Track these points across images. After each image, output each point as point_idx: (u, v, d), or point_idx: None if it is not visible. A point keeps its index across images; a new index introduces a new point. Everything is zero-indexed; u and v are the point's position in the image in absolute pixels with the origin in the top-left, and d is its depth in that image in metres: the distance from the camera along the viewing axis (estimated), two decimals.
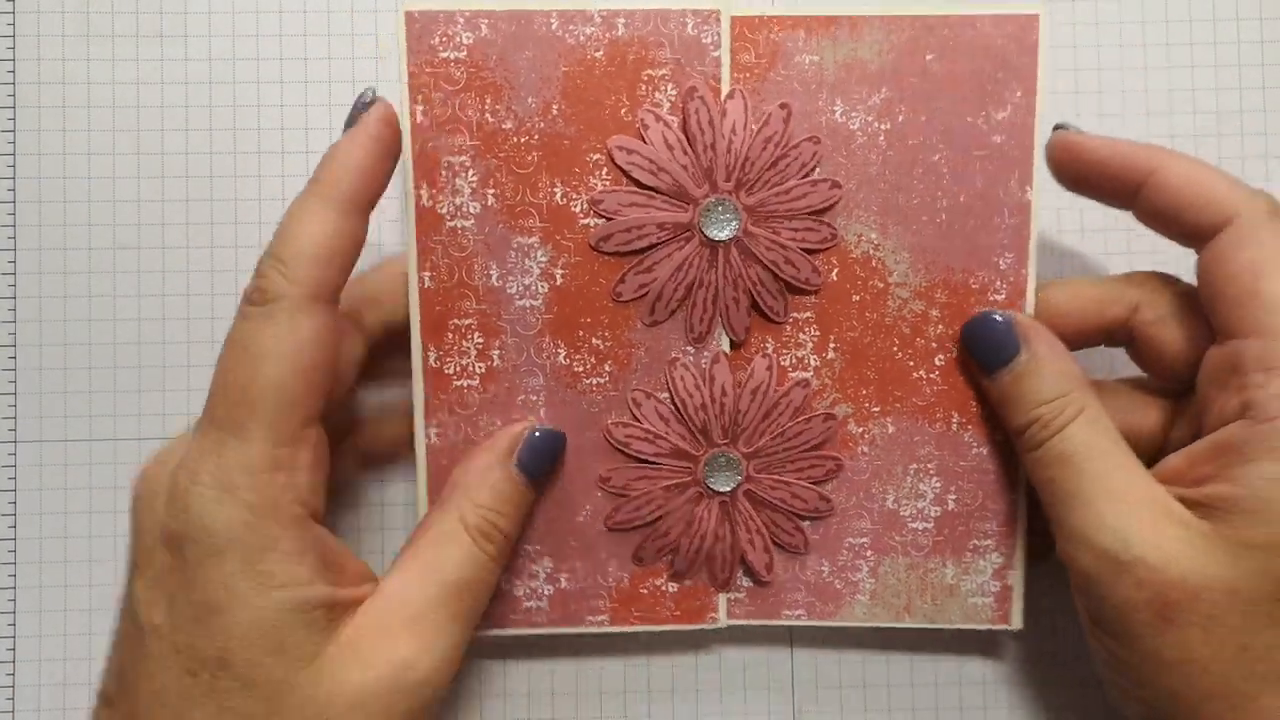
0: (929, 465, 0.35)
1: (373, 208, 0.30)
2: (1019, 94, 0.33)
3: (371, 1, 0.37)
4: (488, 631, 0.35)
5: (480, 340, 0.34)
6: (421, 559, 0.31)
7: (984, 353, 0.33)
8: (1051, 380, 0.32)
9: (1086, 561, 0.30)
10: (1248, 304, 0.29)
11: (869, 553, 0.35)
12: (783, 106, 0.33)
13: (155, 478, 0.29)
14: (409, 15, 0.32)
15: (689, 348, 0.34)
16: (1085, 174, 0.32)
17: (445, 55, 0.32)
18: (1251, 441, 0.28)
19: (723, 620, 0.35)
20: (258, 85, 0.37)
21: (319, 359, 0.29)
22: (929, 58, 0.33)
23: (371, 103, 0.30)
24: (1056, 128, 0.33)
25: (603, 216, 0.33)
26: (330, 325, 0.29)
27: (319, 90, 0.37)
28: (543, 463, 0.33)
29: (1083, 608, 0.31)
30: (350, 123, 0.30)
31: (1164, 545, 0.29)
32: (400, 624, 0.29)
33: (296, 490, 0.28)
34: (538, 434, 0.33)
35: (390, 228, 0.37)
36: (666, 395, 0.34)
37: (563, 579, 0.35)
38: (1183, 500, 0.29)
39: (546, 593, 0.35)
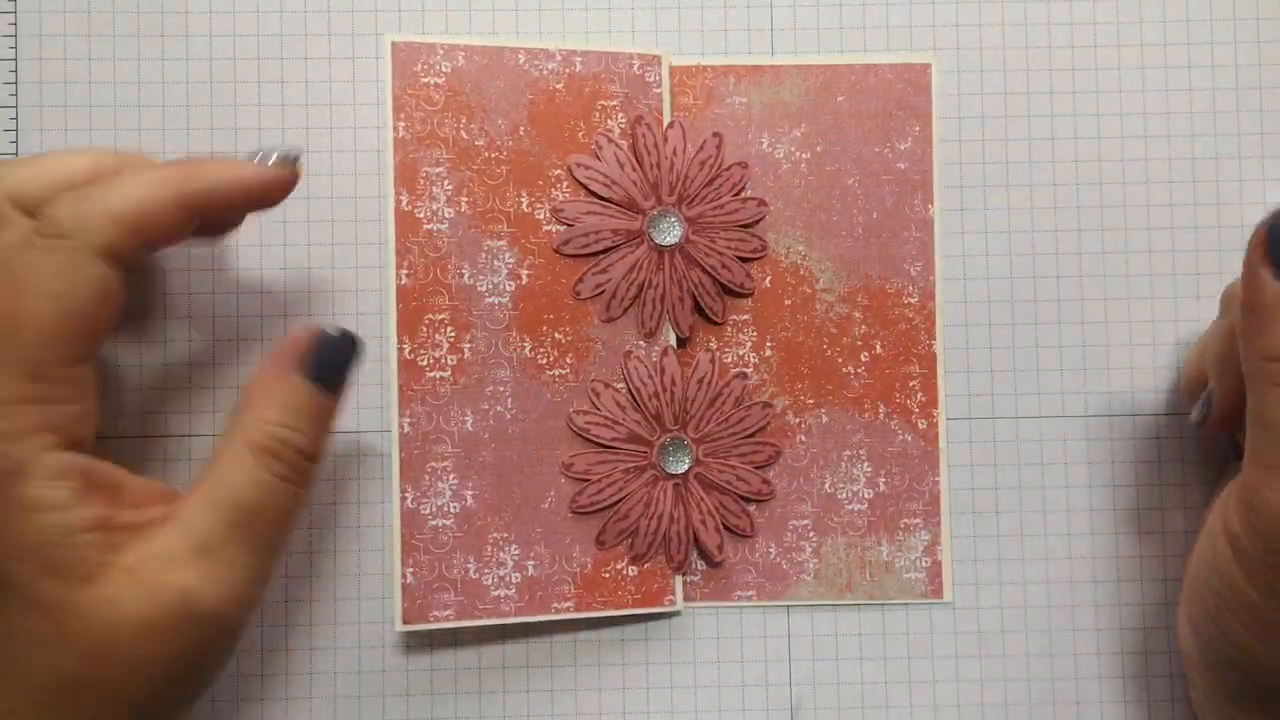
0: (860, 451, 0.39)
1: (199, 221, 0.31)
2: (917, 128, 0.39)
3: (372, 1, 0.39)
4: (457, 623, 0.37)
5: (452, 334, 0.37)
6: (206, 483, 0.30)
7: None
8: None
9: None
10: None
11: (811, 534, 0.38)
12: (715, 135, 0.38)
13: None
14: (395, 45, 0.37)
15: (641, 342, 0.38)
16: None
17: (426, 80, 0.37)
18: None
19: (679, 603, 0.38)
20: (258, 85, 0.38)
21: (91, 307, 0.28)
22: (840, 99, 0.39)
23: (290, 161, 0.32)
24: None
25: (564, 223, 0.38)
26: (111, 282, 0.29)
27: (319, 90, 0.38)
28: (334, 367, 0.32)
29: (1234, 543, 0.30)
30: (257, 158, 0.32)
31: None
32: (188, 552, 0.29)
33: (49, 420, 0.28)
34: (324, 335, 0.32)
35: (368, 227, 0.38)
36: (623, 385, 0.38)
37: (530, 566, 0.37)
38: None
39: (514, 581, 0.37)
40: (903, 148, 0.39)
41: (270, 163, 0.32)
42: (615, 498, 0.37)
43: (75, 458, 0.28)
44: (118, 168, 0.30)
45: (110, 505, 0.29)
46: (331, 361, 0.31)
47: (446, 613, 0.37)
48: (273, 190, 0.32)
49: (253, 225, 0.38)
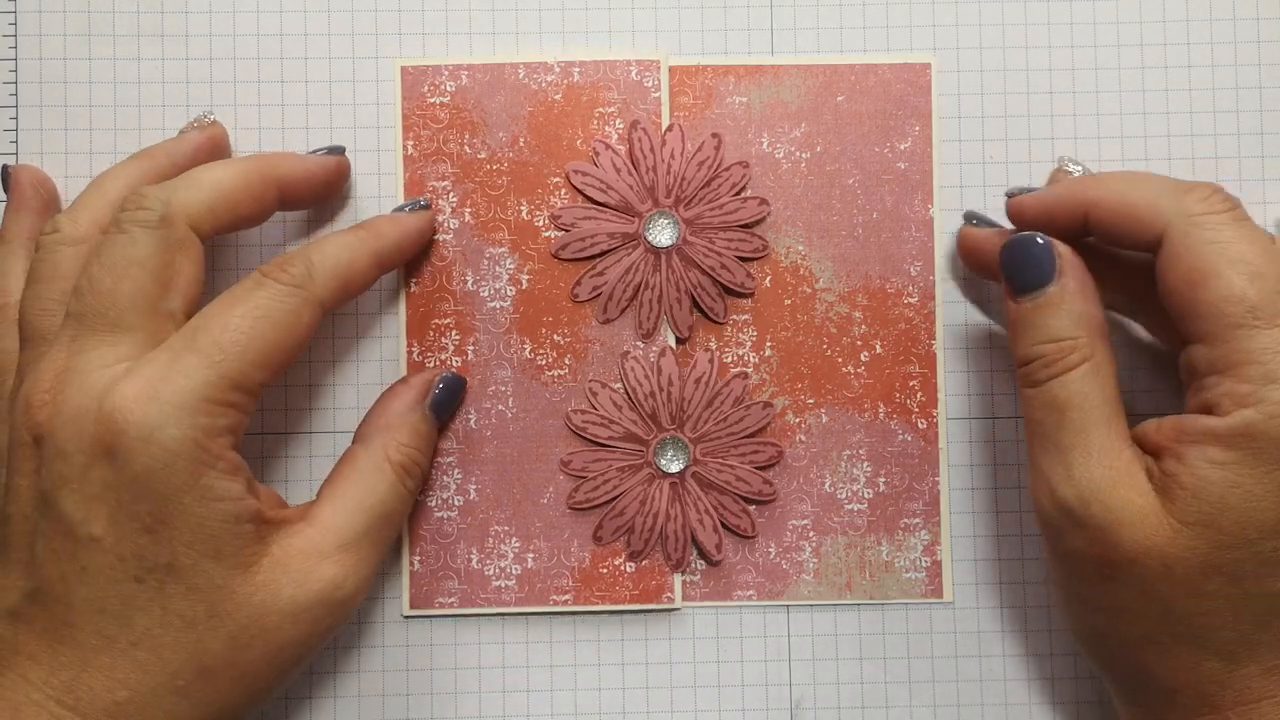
0: (860, 451, 0.39)
1: (390, 270, 0.37)
2: (917, 128, 0.39)
3: (372, 1, 0.39)
4: (460, 610, 0.38)
5: (457, 337, 0.38)
6: (352, 492, 0.34)
7: (1017, 274, 0.33)
8: (1067, 320, 0.32)
9: (1047, 507, 0.32)
10: (1190, 315, 0.31)
11: (811, 534, 0.38)
12: (714, 136, 0.38)
13: (70, 399, 0.30)
14: (405, 70, 0.38)
15: (639, 343, 0.38)
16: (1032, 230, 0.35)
17: (433, 100, 0.38)
18: (1199, 428, 0.30)
19: (678, 600, 0.38)
20: (258, 85, 0.39)
21: (301, 344, 0.33)
22: (840, 99, 0.39)
23: (425, 207, 0.38)
24: (969, 220, 0.38)
25: (561, 229, 0.38)
26: (316, 327, 0.33)
27: (319, 90, 0.39)
28: (450, 405, 0.38)
29: (1045, 535, 0.34)
30: (402, 209, 0.38)
31: (1117, 512, 0.31)
32: (333, 549, 0.33)
33: (234, 424, 0.31)
34: (447, 379, 0.37)
35: None
36: (620, 385, 0.38)
37: (529, 559, 0.38)
38: (1146, 470, 0.31)
39: (514, 572, 0.38)
40: (903, 148, 0.39)
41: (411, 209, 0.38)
42: (611, 495, 0.38)
43: (241, 460, 0.32)
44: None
45: (259, 503, 0.32)
46: (449, 402, 0.38)
47: (451, 599, 0.38)
48: (429, 231, 0.38)
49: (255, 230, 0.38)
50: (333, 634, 0.34)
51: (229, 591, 0.31)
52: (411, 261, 0.38)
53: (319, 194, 0.37)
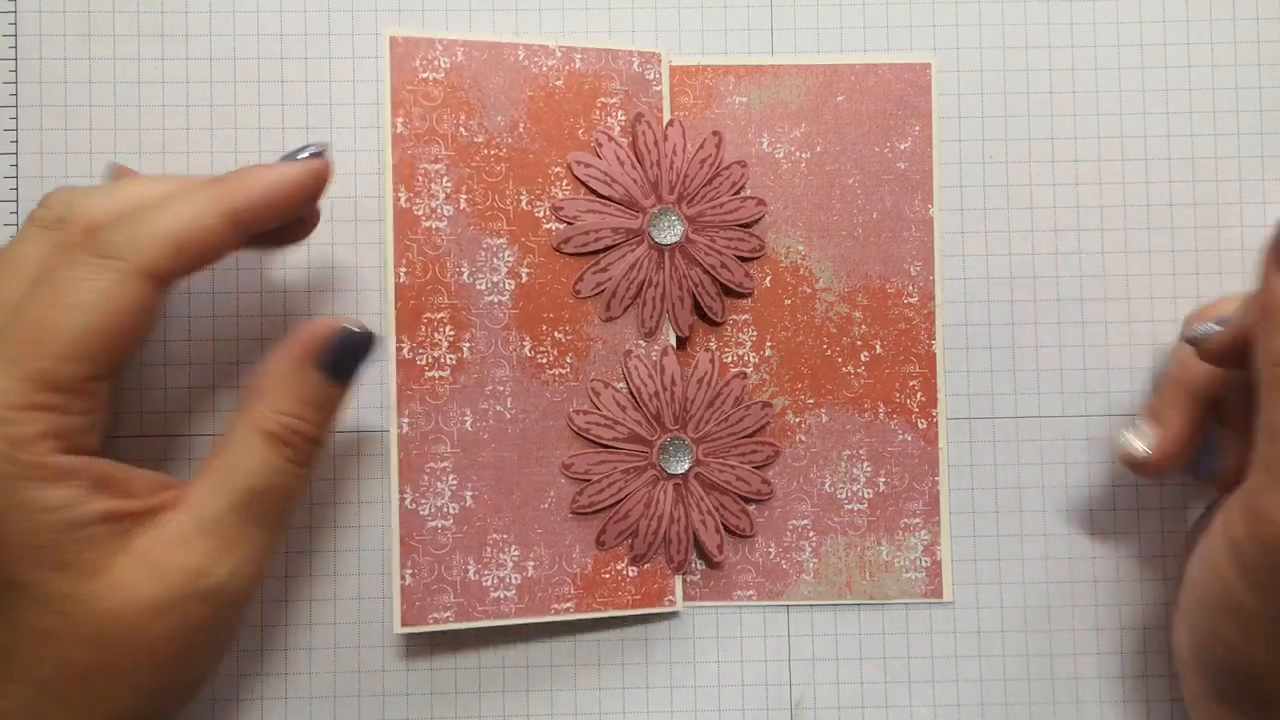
0: (860, 451, 0.39)
1: (250, 234, 0.32)
2: (917, 128, 0.39)
3: (372, 1, 0.39)
4: (456, 625, 0.37)
5: (452, 333, 0.37)
6: (215, 467, 0.31)
7: None
8: None
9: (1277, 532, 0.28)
10: None
11: (811, 534, 0.38)
12: (715, 134, 0.38)
13: None
14: (393, 40, 0.37)
15: (641, 341, 0.38)
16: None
17: (425, 76, 0.37)
18: None
19: (679, 603, 0.38)
20: (258, 85, 0.38)
21: (135, 324, 0.29)
22: (840, 99, 0.39)
23: (318, 155, 0.33)
24: (1198, 339, 0.33)
25: (564, 221, 0.38)
26: (151, 303, 0.30)
27: (319, 90, 0.39)
28: (347, 364, 0.33)
29: (1233, 548, 0.30)
30: (287, 158, 0.33)
31: None
32: (195, 532, 0.30)
33: (56, 428, 0.29)
34: (340, 335, 0.32)
35: (367, 227, 0.38)
36: (623, 385, 0.38)
37: (530, 567, 0.37)
38: None
39: (514, 582, 0.37)
40: (903, 148, 0.39)
41: (300, 158, 0.33)
42: (615, 498, 0.37)
43: (79, 460, 0.29)
44: (181, 191, 0.31)
45: (118, 498, 0.30)
46: (349, 358, 0.33)
47: (446, 614, 0.36)
48: (307, 182, 0.33)
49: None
50: (220, 624, 0.31)
51: (79, 600, 0.29)
52: (398, 249, 0.36)
53: (293, 207, 0.33)
